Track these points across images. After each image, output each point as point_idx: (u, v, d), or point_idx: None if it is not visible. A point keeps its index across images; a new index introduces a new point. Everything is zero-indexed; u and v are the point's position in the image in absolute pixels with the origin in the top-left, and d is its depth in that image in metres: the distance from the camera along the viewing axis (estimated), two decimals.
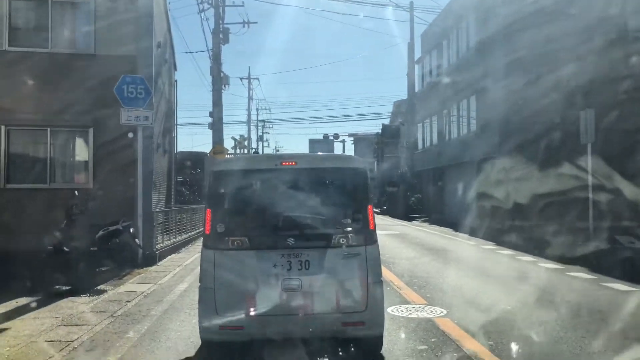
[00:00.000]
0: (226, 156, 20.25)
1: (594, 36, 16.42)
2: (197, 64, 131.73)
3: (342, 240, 5.12)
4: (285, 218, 5.23)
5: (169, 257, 13.97)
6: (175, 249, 15.28)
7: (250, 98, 50.81)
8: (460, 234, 20.10)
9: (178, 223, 17.19)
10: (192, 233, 18.88)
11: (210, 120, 23.70)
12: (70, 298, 8.61)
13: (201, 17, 34.55)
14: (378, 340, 5.41)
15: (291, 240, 5.06)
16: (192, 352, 5.75)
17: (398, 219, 32.05)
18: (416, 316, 7.17)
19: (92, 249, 10.16)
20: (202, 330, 5.13)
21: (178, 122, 27.16)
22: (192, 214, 20.08)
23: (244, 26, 27.14)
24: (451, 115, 27.97)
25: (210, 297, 5.00)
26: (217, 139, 21.43)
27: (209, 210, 5.21)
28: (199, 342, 5.60)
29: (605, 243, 12.56)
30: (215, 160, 19.49)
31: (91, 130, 12.25)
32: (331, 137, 61.07)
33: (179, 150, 28.31)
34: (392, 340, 5.97)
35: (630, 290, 9.03)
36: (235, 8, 26.60)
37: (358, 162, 5.73)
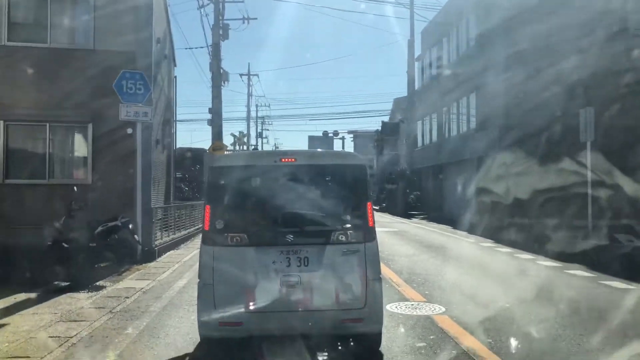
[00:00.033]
0: (225, 152, 20.22)
1: (595, 30, 16.40)
2: (197, 60, 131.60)
3: (341, 237, 5.12)
4: (284, 214, 5.22)
5: (168, 253, 13.97)
6: (174, 245, 15.28)
7: (249, 94, 50.83)
8: (459, 232, 20.10)
9: (177, 219, 17.19)
10: (191, 229, 18.89)
11: (209, 116, 23.68)
12: (69, 294, 8.60)
13: (201, 12, 34.58)
14: (377, 337, 5.41)
15: (290, 237, 5.05)
16: (191, 349, 5.75)
17: (397, 216, 32.07)
18: (415, 313, 7.17)
19: (91, 244, 10.17)
20: (201, 327, 5.13)
21: (177, 118, 27.13)
22: (191, 210, 20.08)
23: (243, 22, 27.15)
24: (451, 112, 27.98)
25: (209, 294, 5.00)
26: (217, 135, 21.39)
27: (208, 206, 5.21)
28: (197, 339, 5.60)
29: (604, 241, 12.57)
30: (214, 156, 19.47)
31: (90, 126, 12.24)
32: (331, 134, 60.95)
33: (178, 146, 28.34)
34: (390, 337, 5.97)
35: (629, 288, 9.04)
36: (235, 4, 26.53)
37: (357, 159, 5.72)
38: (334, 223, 5.20)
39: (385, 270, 9.46)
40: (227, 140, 47.48)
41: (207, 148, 23.68)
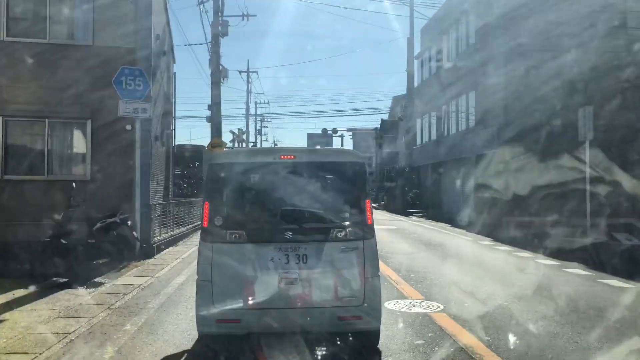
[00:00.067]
0: (224, 149, 20.20)
1: (595, 25, 16.39)
2: (196, 57, 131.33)
3: (340, 234, 5.12)
4: (283, 211, 5.21)
5: (167, 250, 13.97)
6: (173, 242, 15.27)
7: (248, 91, 50.81)
8: (458, 230, 20.14)
9: (176, 216, 17.18)
10: (190, 226, 18.88)
11: (208, 113, 23.64)
12: (67, 290, 8.61)
13: (200, 9, 34.46)
14: (375, 335, 5.41)
15: (289, 234, 5.05)
16: (189, 345, 5.76)
17: (396, 213, 32.10)
18: (413, 311, 7.18)
19: (89, 241, 10.17)
20: (199, 323, 5.13)
21: (176, 115, 27.08)
22: (190, 207, 20.06)
23: (243, 19, 27.02)
24: (450, 110, 27.97)
25: (208, 290, 5.00)
26: (216, 132, 21.36)
27: (206, 203, 5.20)
28: (196, 335, 5.60)
29: (602, 239, 12.59)
30: (213, 153, 19.45)
31: (89, 122, 12.23)
32: (330, 132, 60.97)
33: (177, 142, 28.28)
34: (389, 335, 5.98)
35: (627, 287, 9.07)
36: (234, 0, 26.56)
37: (356, 156, 5.72)
38: (332, 220, 5.20)
39: (383, 267, 9.46)
40: (226, 137, 47.52)
41: (206, 145, 23.66)
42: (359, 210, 5.25)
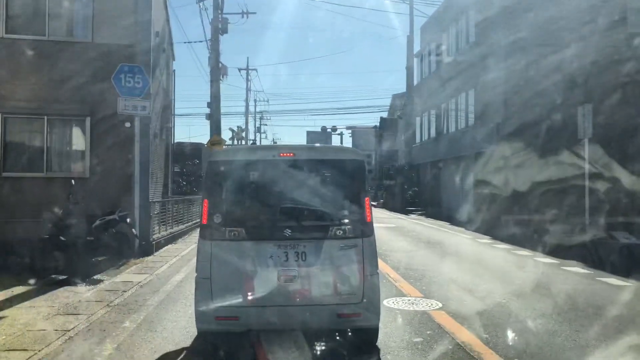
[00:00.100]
0: (224, 147, 20.20)
1: (595, 19, 16.35)
2: (196, 55, 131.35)
3: (339, 232, 5.13)
4: (282, 209, 5.22)
5: (166, 247, 13.97)
6: (172, 239, 15.28)
7: (248, 89, 50.63)
8: (457, 228, 20.16)
9: (175, 214, 17.18)
10: (189, 224, 18.89)
11: (207, 111, 23.62)
12: (66, 287, 8.61)
13: (200, 6, 34.44)
14: (374, 332, 5.42)
15: (288, 232, 5.06)
16: (188, 342, 5.76)
17: (395, 212, 32.11)
18: (412, 309, 7.19)
19: (88, 238, 10.18)
20: (198, 321, 5.14)
21: (175, 113, 27.07)
22: (189, 205, 20.07)
23: (242, 17, 27.04)
24: (449, 108, 27.96)
25: (207, 288, 5.00)
26: (215, 129, 21.35)
27: (206, 200, 5.20)
28: (195, 332, 5.61)
29: (601, 237, 12.60)
30: (212, 151, 19.45)
31: (88, 119, 12.22)
32: (329, 130, 60.98)
33: (176, 140, 28.29)
34: (387, 333, 5.99)
35: (625, 285, 9.09)
36: None
37: (355, 154, 5.72)
38: (331, 218, 5.21)
39: (382, 265, 9.46)
40: (226, 135, 47.49)
41: (205, 142, 23.67)
42: (358, 208, 5.25)
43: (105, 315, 6.93)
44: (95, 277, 9.49)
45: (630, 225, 13.67)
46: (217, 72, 21.40)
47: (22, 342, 5.73)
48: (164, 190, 19.27)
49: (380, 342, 5.59)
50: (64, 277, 9.08)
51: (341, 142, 62.74)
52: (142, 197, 12.24)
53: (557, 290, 8.61)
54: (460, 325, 6.35)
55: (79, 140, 12.44)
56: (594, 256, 11.76)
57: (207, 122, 22.77)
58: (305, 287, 4.98)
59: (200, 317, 5.08)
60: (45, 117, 12.09)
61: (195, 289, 5.13)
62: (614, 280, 9.43)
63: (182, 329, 6.27)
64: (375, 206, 34.75)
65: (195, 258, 5.30)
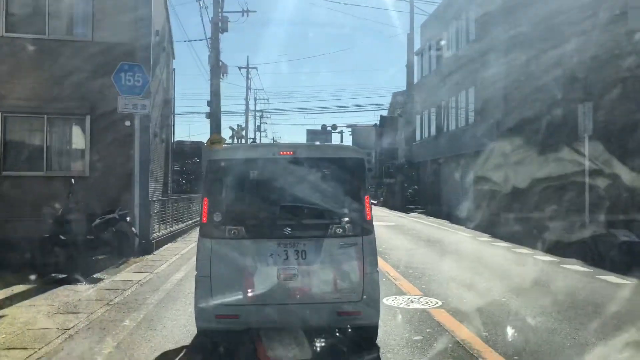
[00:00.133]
0: (224, 146, 20.19)
1: (595, 15, 16.30)
2: (196, 53, 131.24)
3: (339, 230, 5.13)
4: (282, 207, 5.23)
5: (166, 246, 13.98)
6: (172, 238, 15.29)
7: (248, 87, 50.59)
8: (457, 226, 20.17)
9: (175, 212, 17.20)
10: (189, 222, 18.90)
11: (207, 109, 23.62)
12: (66, 286, 8.61)
13: (200, 5, 34.39)
14: (373, 330, 5.43)
15: (288, 230, 5.06)
16: (188, 341, 5.77)
17: (395, 210, 32.12)
18: (411, 307, 7.20)
19: (88, 237, 10.18)
20: (198, 319, 5.14)
21: (175, 111, 27.07)
22: (189, 204, 20.08)
23: (243, 15, 27.06)
24: (449, 106, 27.96)
25: (207, 286, 5.01)
26: (215, 128, 21.34)
27: (205, 199, 5.20)
28: (195, 331, 5.61)
29: (600, 235, 12.61)
30: (212, 150, 19.44)
31: (88, 118, 12.22)
32: (329, 128, 61.01)
33: (176, 139, 28.29)
34: (387, 331, 6.00)
35: (625, 283, 9.10)
36: None
37: (355, 152, 5.73)
38: (331, 216, 5.21)
39: (382, 263, 9.47)
40: (226, 133, 47.44)
41: (205, 141, 23.66)
42: (358, 206, 5.25)
43: (105, 314, 6.93)
44: (95, 275, 9.50)
45: (630, 222, 13.67)
46: (217, 70, 21.39)
47: (22, 341, 5.73)
48: (163, 189, 19.28)
49: (380, 340, 5.60)
50: (64, 275, 9.08)
51: (341, 141, 62.84)
52: (142, 196, 12.25)
53: (556, 288, 8.62)
54: (460, 323, 6.36)
55: (78, 139, 12.44)
56: (593, 254, 11.78)
57: (207, 121, 22.78)
58: (305, 285, 4.99)
59: (200, 315, 5.09)
60: (45, 116, 12.09)
61: (195, 287, 5.14)
62: (613, 278, 9.44)
63: (182, 327, 6.28)
64: (375, 204, 34.77)
65: (195, 256, 5.30)
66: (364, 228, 5.19)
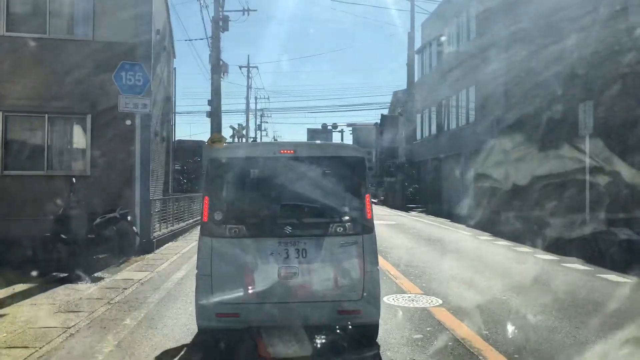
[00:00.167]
0: (224, 145, 20.18)
1: (595, 10, 16.24)
2: (197, 52, 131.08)
3: (339, 229, 5.13)
4: (282, 206, 5.23)
5: (166, 245, 13.99)
6: (173, 237, 15.30)
7: (249, 87, 50.59)
8: (457, 224, 20.17)
9: (175, 211, 17.21)
10: (190, 221, 18.92)
11: (208, 108, 23.63)
12: (67, 285, 8.62)
13: (201, 4, 34.35)
14: (374, 329, 5.44)
15: (288, 229, 5.07)
16: (189, 339, 5.78)
17: (395, 209, 32.13)
18: (412, 305, 7.21)
19: (89, 236, 10.18)
20: (199, 318, 5.15)
21: (176, 110, 27.08)
22: (189, 203, 20.10)
23: (243, 14, 27.06)
24: (450, 105, 27.96)
25: (207, 285, 5.02)
26: (216, 127, 21.35)
27: (206, 197, 5.21)
28: (195, 329, 5.61)
29: (601, 234, 12.61)
30: (213, 148, 19.43)
31: (89, 117, 12.23)
32: (330, 127, 60.96)
33: (177, 138, 28.31)
34: (387, 329, 6.00)
35: (625, 282, 9.10)
36: None
37: (356, 150, 5.72)
38: (332, 215, 5.21)
39: (382, 262, 9.48)
40: (226, 132, 47.43)
41: (206, 140, 23.66)
42: (359, 205, 5.26)
43: (106, 313, 6.94)
44: (96, 274, 9.51)
45: (630, 220, 13.65)
46: (218, 69, 21.39)
47: (23, 340, 5.75)
48: (164, 188, 19.29)
49: (380, 338, 5.61)
50: (65, 274, 9.09)
51: (342, 140, 62.78)
52: (143, 195, 12.26)
53: (557, 287, 8.62)
54: (460, 321, 6.37)
55: (79, 138, 12.45)
56: (594, 252, 11.78)
57: (208, 120, 22.80)
58: (305, 283, 5.00)
59: (200, 314, 5.10)
60: (46, 115, 12.10)
61: (196, 286, 5.15)
62: (613, 277, 9.44)
63: (182, 326, 6.29)
64: (375, 203, 34.78)
65: (196, 255, 5.31)
66: (365, 227, 5.20)
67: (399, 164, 36.75)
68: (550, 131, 17.13)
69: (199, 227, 5.52)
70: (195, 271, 5.20)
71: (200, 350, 5.48)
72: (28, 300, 7.57)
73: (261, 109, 59.36)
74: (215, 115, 21.58)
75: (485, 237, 16.07)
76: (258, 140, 52.76)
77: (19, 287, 8.15)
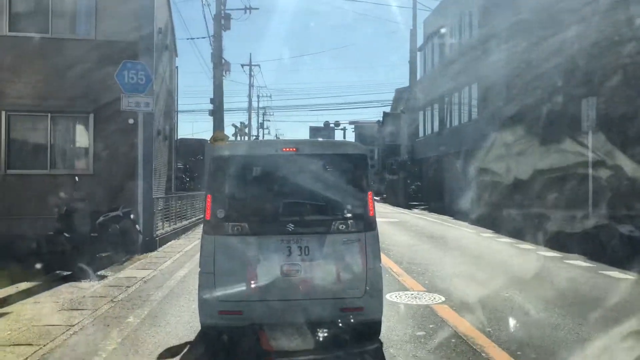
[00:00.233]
0: (226, 143, 20.20)
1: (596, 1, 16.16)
2: (199, 51, 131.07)
3: (342, 226, 5.13)
4: (285, 204, 5.24)
5: (169, 243, 14.02)
6: (176, 235, 15.33)
7: (251, 85, 50.59)
8: (460, 222, 20.16)
9: (178, 209, 17.24)
10: (193, 219, 18.94)
11: (210, 107, 23.64)
12: (70, 283, 8.66)
13: (202, 2, 34.37)
14: (376, 326, 5.44)
15: (291, 226, 5.07)
16: (192, 337, 5.80)
17: (398, 206, 32.13)
18: (414, 303, 7.22)
19: (92, 234, 10.21)
20: (202, 315, 5.16)
21: (178, 109, 27.10)
22: (192, 201, 20.12)
23: (245, 12, 27.04)
24: (452, 102, 27.93)
25: (210, 282, 5.03)
26: (218, 125, 21.36)
27: (209, 195, 5.22)
28: (198, 327, 5.64)
29: (604, 231, 12.59)
30: (215, 147, 19.43)
31: (91, 116, 12.25)
32: (332, 125, 60.87)
33: (179, 137, 28.33)
34: (390, 327, 6.01)
35: (628, 278, 9.09)
36: None
37: (358, 148, 5.72)
38: (334, 212, 5.21)
39: (385, 260, 9.49)
40: (229, 131, 47.38)
41: (209, 139, 23.68)
42: (361, 202, 5.26)
43: (110, 311, 6.97)
44: (99, 273, 9.54)
45: (634, 217, 13.62)
46: (219, 66, 21.40)
47: (27, 337, 5.77)
48: (167, 186, 19.32)
49: (383, 335, 5.62)
50: (68, 273, 9.12)
51: (344, 137, 62.69)
52: (146, 193, 12.28)
53: (559, 284, 8.62)
54: (463, 318, 6.37)
55: (82, 137, 12.48)
56: (596, 249, 11.76)
57: (210, 119, 22.81)
58: (308, 281, 5.00)
59: (203, 311, 5.11)
60: (49, 114, 12.13)
61: (199, 283, 5.16)
62: (616, 274, 9.43)
63: (185, 323, 6.31)
64: (378, 201, 34.77)
65: (199, 253, 5.32)
66: (367, 224, 5.20)
67: (401, 161, 36.74)
68: (553, 127, 17.09)
69: (201, 225, 5.54)
70: (198, 269, 5.21)
71: (203, 348, 5.49)
72: (32, 298, 7.60)
73: (263, 107, 59.41)
74: (217, 113, 21.61)
75: (488, 234, 16.07)
76: (260, 138, 52.81)
77: (23, 285, 8.17)
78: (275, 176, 5.38)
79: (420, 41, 34.49)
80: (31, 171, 12.05)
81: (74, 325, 6.22)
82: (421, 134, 34.62)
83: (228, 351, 5.28)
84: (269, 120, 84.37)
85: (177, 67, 24.14)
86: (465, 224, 19.31)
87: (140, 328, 6.15)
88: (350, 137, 65.16)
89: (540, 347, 5.43)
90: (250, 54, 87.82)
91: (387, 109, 51.85)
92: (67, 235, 9.61)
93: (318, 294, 5.02)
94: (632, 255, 10.74)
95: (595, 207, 13.94)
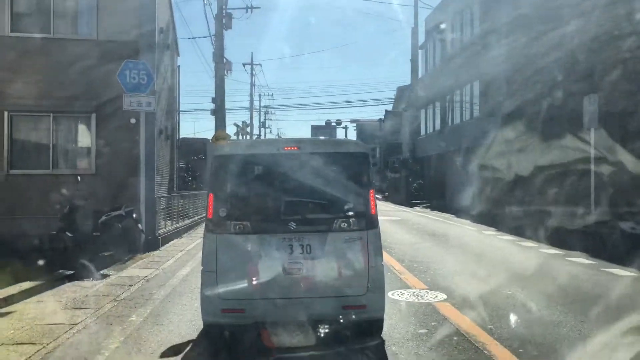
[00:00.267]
0: (228, 142, 20.20)
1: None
2: (200, 50, 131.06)
3: (344, 225, 5.14)
4: (287, 202, 5.25)
5: (172, 242, 14.04)
6: (178, 234, 15.35)
7: (252, 84, 50.62)
8: (462, 220, 20.14)
9: (180, 208, 17.26)
10: (195, 218, 18.95)
11: (212, 106, 23.65)
12: (73, 282, 8.69)
13: (204, 1, 34.33)
14: (379, 324, 5.45)
15: (293, 225, 5.08)
16: (194, 335, 5.82)
17: (400, 204, 32.10)
18: (417, 300, 7.22)
19: (95, 234, 10.26)
20: (204, 314, 5.18)
21: (180, 108, 27.12)
22: (194, 200, 20.14)
23: (247, 11, 27.01)
24: (454, 100, 27.91)
25: (212, 281, 5.04)
26: (220, 124, 21.37)
27: (211, 194, 5.23)
28: (201, 325, 5.65)
29: (606, 228, 12.58)
30: (217, 146, 19.44)
31: (93, 116, 12.28)
32: (333, 124, 60.80)
33: (181, 136, 28.35)
34: (392, 324, 6.02)
35: (630, 275, 9.09)
36: None
37: (360, 146, 5.72)
38: (336, 210, 5.22)
39: (387, 257, 9.50)
40: (230, 130, 47.37)
41: (210, 138, 23.69)
42: (363, 200, 5.26)
43: (112, 309, 6.99)
44: (101, 272, 9.56)
45: (636, 214, 13.60)
46: (221, 67, 21.41)
47: (30, 336, 5.79)
48: (169, 186, 19.34)
49: (385, 333, 5.63)
50: (71, 272, 9.14)
51: (346, 136, 62.65)
52: (148, 192, 12.30)
53: (561, 282, 8.62)
54: (465, 316, 6.38)
55: (84, 136, 12.51)
56: (598, 246, 11.75)
57: (212, 118, 22.82)
58: (310, 279, 5.01)
59: (206, 310, 5.13)
60: (51, 114, 12.16)
61: (201, 282, 5.17)
62: (618, 271, 9.42)
63: (188, 322, 6.33)
64: (379, 199, 34.76)
65: (201, 252, 5.33)
66: (369, 222, 5.21)
67: (403, 159, 36.72)
68: (554, 123, 17.07)
69: (203, 224, 5.55)
70: (201, 268, 5.23)
71: (206, 346, 5.51)
72: (35, 297, 7.63)
73: (265, 106, 59.52)
74: (219, 112, 21.61)
75: (490, 231, 16.06)
76: (262, 137, 52.82)
77: (26, 285, 8.19)
78: (277, 175, 5.38)
79: (421, 39, 34.49)
80: (34, 171, 12.08)
81: (77, 324, 6.24)
82: (423, 131, 34.60)
83: (231, 349, 5.30)
84: (271, 119, 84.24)
85: (178, 66, 24.15)
86: (467, 221, 19.30)
87: (143, 327, 6.17)
88: (352, 135, 65.13)
89: (542, 345, 5.44)
90: (252, 53, 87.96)
91: (389, 107, 51.82)
92: (69, 234, 9.66)
93: (320, 292, 5.04)
94: (634, 252, 10.73)
95: (597, 204, 13.93)
